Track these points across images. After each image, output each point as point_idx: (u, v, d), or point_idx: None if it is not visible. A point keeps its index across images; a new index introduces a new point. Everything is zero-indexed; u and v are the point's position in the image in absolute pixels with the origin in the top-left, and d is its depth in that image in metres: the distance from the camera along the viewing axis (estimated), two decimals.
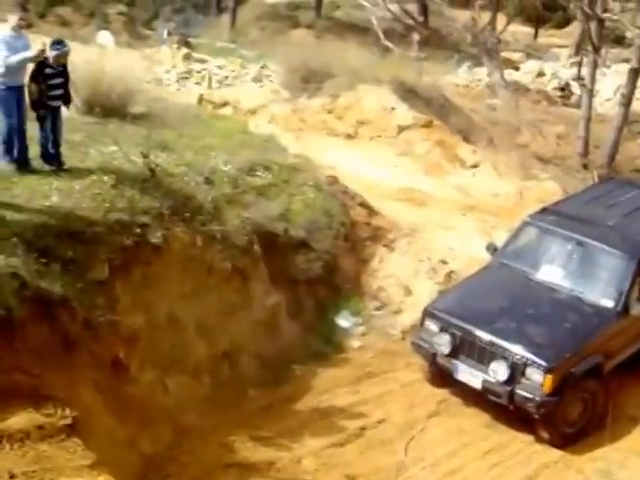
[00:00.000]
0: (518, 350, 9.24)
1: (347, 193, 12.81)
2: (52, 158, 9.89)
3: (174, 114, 14.25)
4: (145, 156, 10.19)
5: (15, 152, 9.49)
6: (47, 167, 9.82)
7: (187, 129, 13.49)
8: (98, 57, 14.64)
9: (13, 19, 9.38)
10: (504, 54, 30.36)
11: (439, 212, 13.91)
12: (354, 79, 18.23)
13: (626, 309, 9.89)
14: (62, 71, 9.83)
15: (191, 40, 41.39)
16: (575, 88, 25.46)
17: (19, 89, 9.47)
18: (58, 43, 9.76)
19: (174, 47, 35.76)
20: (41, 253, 8.13)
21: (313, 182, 12.36)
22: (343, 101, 17.78)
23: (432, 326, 9.87)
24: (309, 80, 18.73)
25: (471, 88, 25.35)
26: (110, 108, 13.01)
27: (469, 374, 9.54)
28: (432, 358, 9.82)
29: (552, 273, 10.35)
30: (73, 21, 41.08)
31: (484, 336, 9.44)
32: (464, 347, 9.60)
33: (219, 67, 29.63)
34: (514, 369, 9.22)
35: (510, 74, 27.49)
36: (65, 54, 9.75)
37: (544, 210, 11.19)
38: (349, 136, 17.11)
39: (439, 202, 14.45)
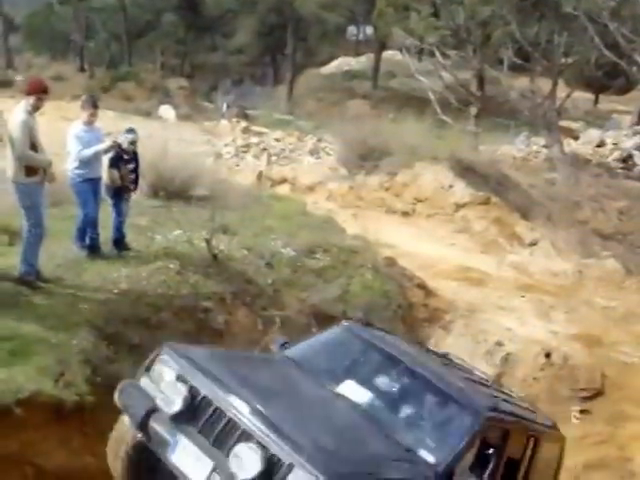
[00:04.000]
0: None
1: (404, 274, 12.96)
2: (121, 243, 10.29)
3: (235, 195, 14.56)
4: (208, 242, 10.50)
5: (87, 239, 9.81)
6: (116, 251, 10.16)
7: (248, 211, 13.82)
8: (160, 132, 14.98)
9: (85, 114, 9.70)
10: (563, 123, 30.26)
11: (496, 292, 13.91)
12: (411, 156, 18.48)
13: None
14: (134, 157, 10.34)
15: (249, 112, 42.54)
16: (638, 159, 25.29)
17: (95, 181, 9.80)
18: (130, 131, 10.35)
19: (233, 120, 36.83)
20: (110, 339, 8.38)
21: (371, 264, 12.51)
22: (401, 179, 18.04)
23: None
24: (366, 157, 19.00)
25: (529, 160, 25.34)
26: (174, 192, 13.41)
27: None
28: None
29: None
30: (136, 95, 42.85)
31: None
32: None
33: (277, 140, 30.31)
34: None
35: (569, 144, 27.37)
36: (135, 141, 10.29)
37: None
38: (406, 214, 17.34)
39: (496, 281, 14.45)
